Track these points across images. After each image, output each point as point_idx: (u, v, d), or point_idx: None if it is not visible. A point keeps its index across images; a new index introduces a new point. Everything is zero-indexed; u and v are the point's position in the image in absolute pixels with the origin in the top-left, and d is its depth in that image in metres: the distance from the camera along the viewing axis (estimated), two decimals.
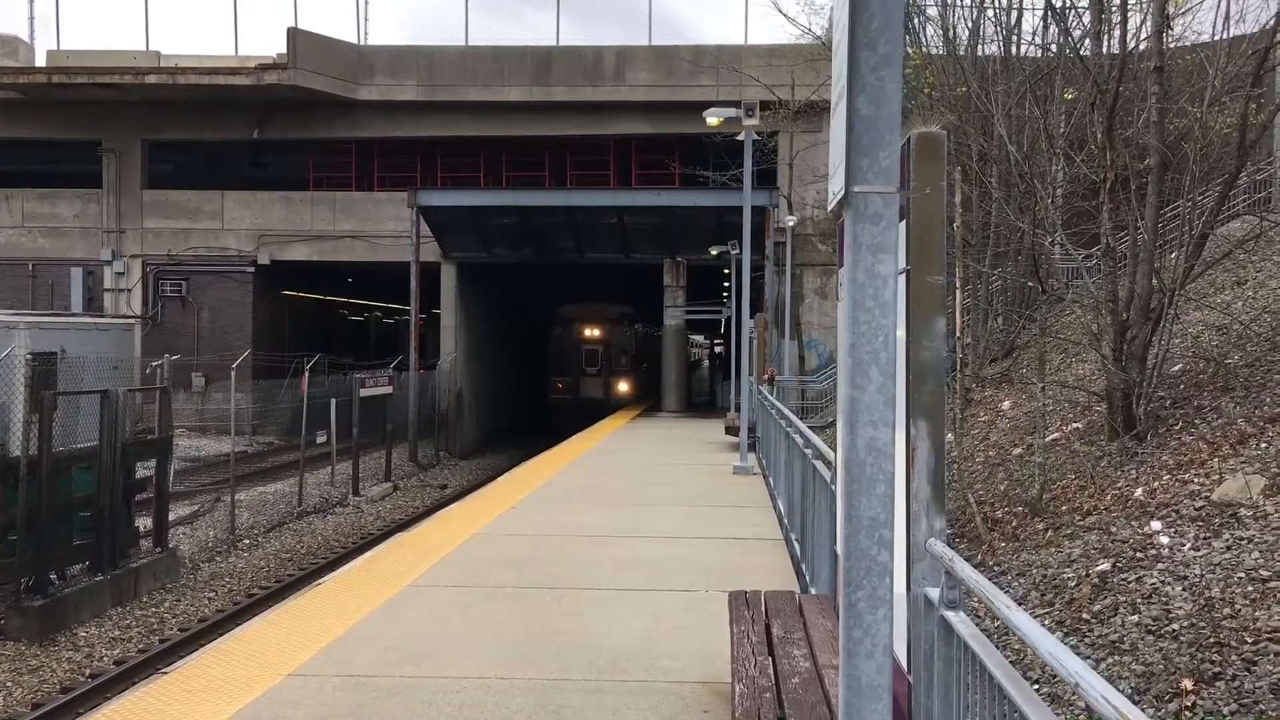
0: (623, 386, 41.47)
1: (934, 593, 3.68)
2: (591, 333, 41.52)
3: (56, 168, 37.97)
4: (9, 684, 11.16)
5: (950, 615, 3.50)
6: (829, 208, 2.91)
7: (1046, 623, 8.76)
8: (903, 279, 3.96)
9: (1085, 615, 8.42)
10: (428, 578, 9.50)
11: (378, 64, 36.01)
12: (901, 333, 3.92)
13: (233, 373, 21.92)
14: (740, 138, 19.36)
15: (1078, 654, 7.90)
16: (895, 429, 3.07)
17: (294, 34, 34.31)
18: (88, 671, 11.80)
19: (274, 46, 35.27)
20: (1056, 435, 13.93)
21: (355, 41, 37.04)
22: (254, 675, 6.66)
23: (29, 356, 15.85)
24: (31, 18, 41.43)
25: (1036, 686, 7.32)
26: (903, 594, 4.04)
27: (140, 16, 39.06)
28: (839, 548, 3.32)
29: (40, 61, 35.77)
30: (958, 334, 16.24)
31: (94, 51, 35.39)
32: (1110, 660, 7.60)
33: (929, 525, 3.88)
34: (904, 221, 4.00)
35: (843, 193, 2.76)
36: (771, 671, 5.14)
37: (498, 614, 8.24)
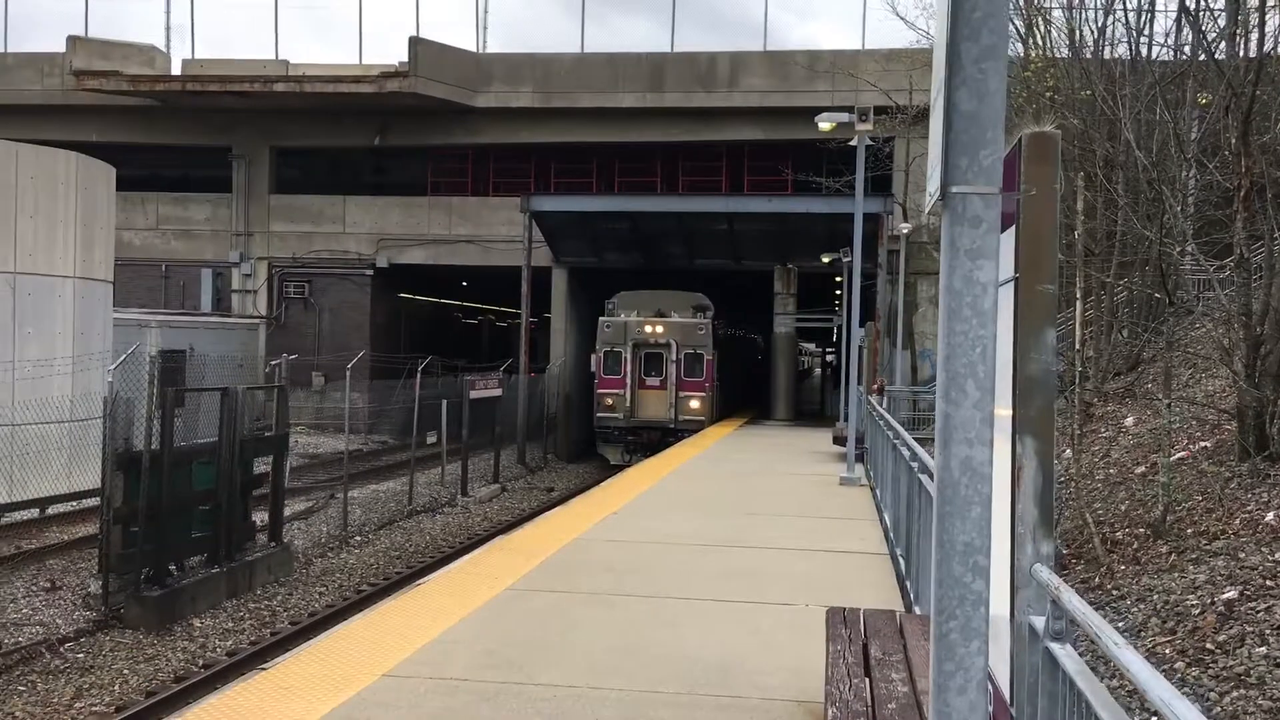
0: (695, 404, 31.12)
1: (1039, 622, 3.46)
2: (653, 329, 31.32)
3: (189, 172, 39.47)
4: (125, 672, 11.52)
5: (1055, 648, 3.28)
6: (925, 210, 2.72)
7: (1168, 651, 8.32)
8: (1011, 287, 3.75)
9: (1209, 645, 7.96)
10: (526, 582, 9.50)
11: (495, 72, 36.51)
12: (1007, 346, 3.71)
13: (347, 373, 22.38)
14: (853, 143, 19.02)
15: (1199, 686, 7.48)
16: (994, 448, 2.87)
17: (415, 43, 35.00)
18: (201, 662, 12.12)
19: (396, 55, 35.94)
20: (1183, 454, 13.30)
21: (474, 50, 37.64)
22: (349, 674, 6.71)
23: (155, 354, 16.42)
24: (168, 28, 43.01)
25: None
26: (1006, 620, 3.82)
27: (270, 26, 40.41)
28: (931, 574, 3.13)
29: (176, 70, 37.22)
30: (1079, 346, 15.65)
31: (226, 60, 36.68)
32: (1235, 694, 7.17)
33: (1035, 550, 3.65)
34: (1014, 226, 3.79)
35: (939, 194, 2.59)
36: (867, 695, 4.95)
37: (593, 621, 8.17)
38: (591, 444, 35.09)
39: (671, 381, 31.06)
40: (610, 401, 31.21)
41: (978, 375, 2.49)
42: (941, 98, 2.59)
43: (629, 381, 31.01)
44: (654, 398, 31.14)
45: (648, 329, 31.29)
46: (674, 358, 31.07)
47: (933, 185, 2.69)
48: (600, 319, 32.08)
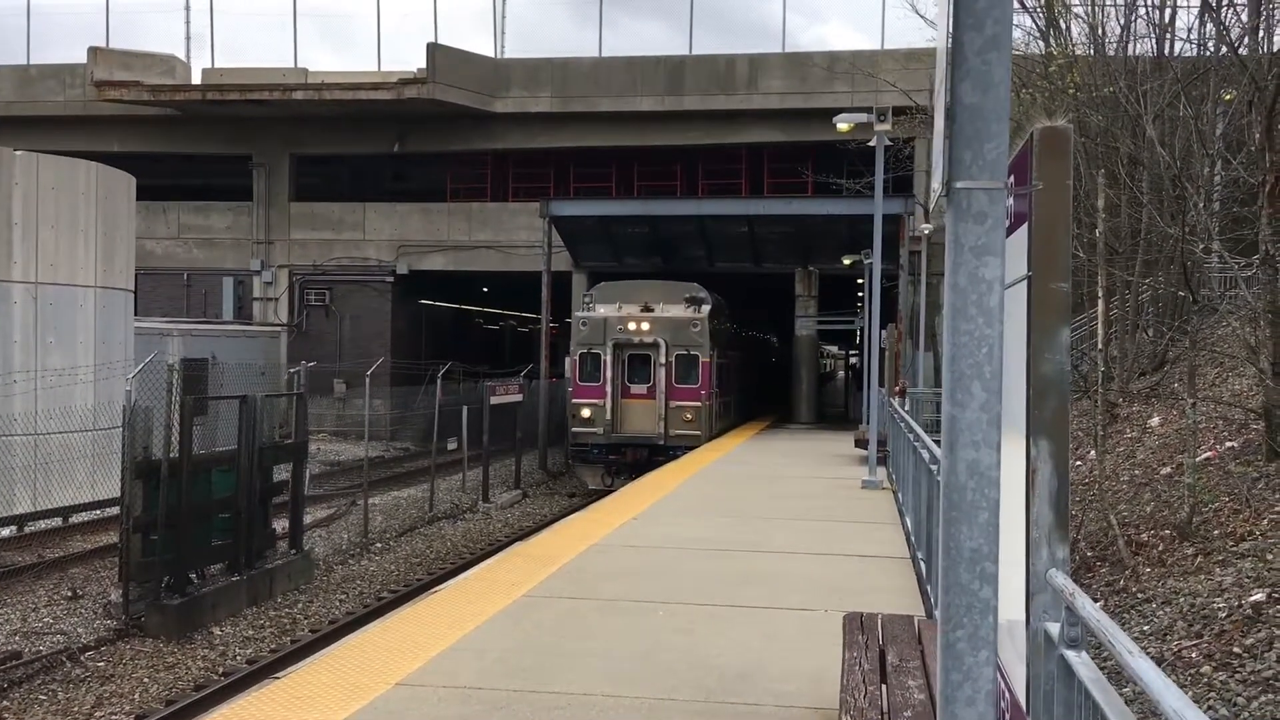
0: (689, 415, 26.14)
1: (1054, 628, 3.37)
2: (638, 326, 26.58)
3: (210, 181, 39.71)
4: (146, 680, 11.53)
5: (1071, 655, 3.18)
6: (930, 206, 2.65)
7: (1194, 655, 8.17)
8: (1024, 287, 3.67)
9: (1236, 649, 7.81)
10: (542, 588, 9.44)
11: (513, 77, 36.56)
12: (1021, 346, 3.63)
13: (367, 380, 22.42)
14: (872, 144, 18.91)
15: (1227, 691, 7.33)
16: (1008, 451, 2.79)
17: (434, 49, 35.09)
18: (221, 670, 12.12)
19: (414, 61, 36.12)
20: (1209, 454, 13.09)
21: (492, 55, 37.70)
22: (363, 683, 6.67)
23: (175, 363, 16.48)
24: (188, 37, 43.38)
25: None
26: (1023, 626, 3.73)
27: (289, 35, 40.68)
28: (938, 580, 3.05)
29: (195, 79, 37.44)
30: (1102, 346, 15.46)
31: (245, 69, 36.89)
32: (1263, 699, 7.02)
33: (1050, 554, 3.56)
34: (1026, 224, 3.70)
35: (944, 190, 2.52)
36: (883, 702, 4.86)
37: (609, 628, 8.10)
38: None
39: (660, 389, 26.35)
40: (587, 414, 26.58)
41: (984, 376, 2.41)
42: (944, 90, 2.52)
43: (610, 390, 26.46)
44: (640, 409, 26.47)
45: (631, 326, 26.66)
46: (663, 360, 26.37)
47: (937, 181, 2.62)
48: (575, 315, 27.89)
